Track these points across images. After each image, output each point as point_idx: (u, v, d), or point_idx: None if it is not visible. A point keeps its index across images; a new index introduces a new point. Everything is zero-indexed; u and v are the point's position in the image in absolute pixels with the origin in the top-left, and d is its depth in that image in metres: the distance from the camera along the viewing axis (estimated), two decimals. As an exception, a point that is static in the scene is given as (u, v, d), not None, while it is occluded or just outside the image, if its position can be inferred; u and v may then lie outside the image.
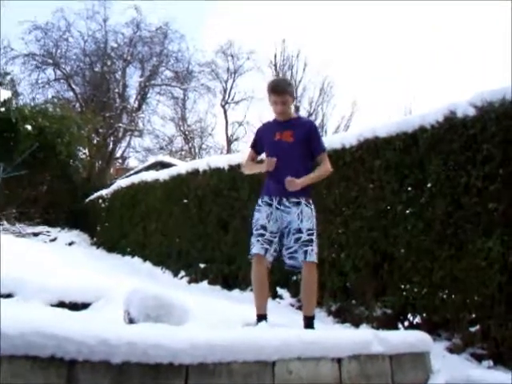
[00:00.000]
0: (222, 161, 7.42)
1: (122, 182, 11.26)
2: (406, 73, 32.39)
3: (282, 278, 5.51)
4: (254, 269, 3.40)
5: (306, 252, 3.30)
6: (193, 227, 7.77)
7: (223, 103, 24.68)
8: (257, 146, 3.74)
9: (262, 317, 3.34)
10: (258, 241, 3.36)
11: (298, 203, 3.39)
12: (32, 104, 15.27)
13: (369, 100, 34.87)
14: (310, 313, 3.38)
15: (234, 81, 24.77)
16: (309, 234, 3.34)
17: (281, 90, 3.52)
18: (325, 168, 3.52)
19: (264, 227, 3.38)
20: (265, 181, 3.61)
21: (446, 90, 26.47)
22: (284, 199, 3.41)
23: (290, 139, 3.47)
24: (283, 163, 3.39)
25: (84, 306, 3.73)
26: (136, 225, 9.84)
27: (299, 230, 3.33)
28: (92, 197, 12.94)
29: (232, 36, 36.84)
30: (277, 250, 3.43)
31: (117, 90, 21.62)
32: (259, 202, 3.52)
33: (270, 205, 3.44)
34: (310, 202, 3.44)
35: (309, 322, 3.33)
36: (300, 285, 3.55)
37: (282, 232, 3.41)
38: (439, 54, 32.46)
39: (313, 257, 3.32)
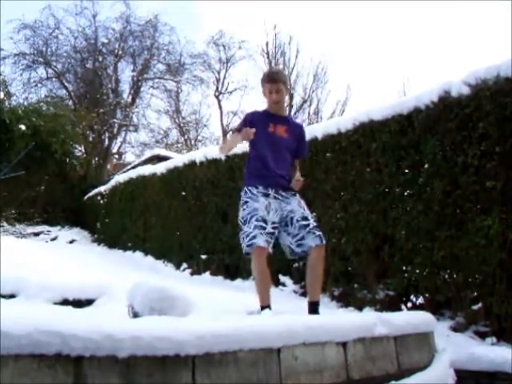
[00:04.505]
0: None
1: (120, 178, 11.22)
2: (399, 54, 32.26)
3: (283, 265, 5.53)
4: (257, 262, 3.29)
5: (320, 236, 3.34)
6: (192, 219, 7.77)
7: (217, 94, 24.53)
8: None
9: (265, 307, 3.30)
10: (262, 234, 3.27)
11: (294, 194, 3.49)
12: (25, 104, 15.18)
13: (363, 84, 34.74)
14: (316, 297, 3.36)
15: (226, 71, 24.61)
16: (314, 220, 3.44)
17: (275, 77, 3.58)
18: (299, 174, 3.57)
19: (264, 220, 3.32)
20: (251, 169, 3.54)
21: (441, 72, 26.38)
22: (280, 190, 3.45)
23: (285, 135, 3.52)
24: (278, 156, 3.45)
25: (88, 302, 3.73)
26: (136, 220, 9.84)
27: (305, 218, 3.38)
28: (91, 194, 12.92)
29: (223, 25, 36.67)
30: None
31: (109, 86, 21.47)
32: (253, 191, 3.43)
33: (267, 195, 3.42)
34: None
35: (314, 308, 3.32)
36: (303, 271, 3.55)
37: (284, 222, 3.40)
38: (434, 34, 32.27)
39: (324, 240, 3.38)
